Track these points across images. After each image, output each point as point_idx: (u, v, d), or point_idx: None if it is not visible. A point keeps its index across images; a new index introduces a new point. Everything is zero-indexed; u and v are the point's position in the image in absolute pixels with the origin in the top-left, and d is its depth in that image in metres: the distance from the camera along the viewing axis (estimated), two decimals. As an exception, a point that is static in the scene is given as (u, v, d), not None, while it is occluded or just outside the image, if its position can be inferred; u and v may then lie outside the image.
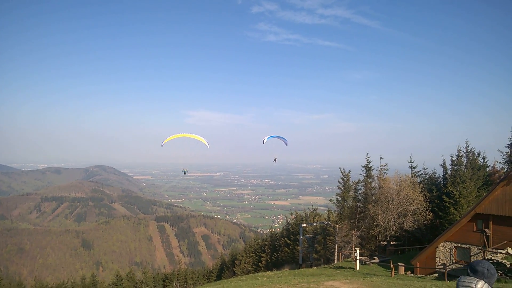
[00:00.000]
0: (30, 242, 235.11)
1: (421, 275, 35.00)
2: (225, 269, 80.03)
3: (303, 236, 55.62)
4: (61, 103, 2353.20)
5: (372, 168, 52.14)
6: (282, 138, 44.77)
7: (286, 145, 45.10)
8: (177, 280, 68.50)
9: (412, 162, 53.86)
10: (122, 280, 64.56)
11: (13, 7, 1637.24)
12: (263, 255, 71.07)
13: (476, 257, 32.40)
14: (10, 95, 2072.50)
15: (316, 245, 57.46)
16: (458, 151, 48.93)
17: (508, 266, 29.33)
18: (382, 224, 45.10)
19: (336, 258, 48.35)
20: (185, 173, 40.56)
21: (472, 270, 5.11)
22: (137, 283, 65.48)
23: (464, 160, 49.06)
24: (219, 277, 76.48)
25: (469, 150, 50.04)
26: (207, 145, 38.05)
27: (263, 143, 42.90)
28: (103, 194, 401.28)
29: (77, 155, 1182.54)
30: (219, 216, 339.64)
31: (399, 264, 36.40)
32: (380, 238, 48.28)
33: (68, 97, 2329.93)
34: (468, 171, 47.55)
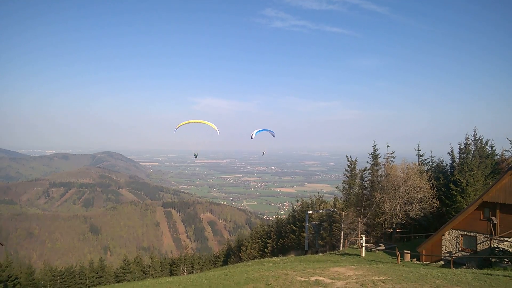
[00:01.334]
0: (39, 227, 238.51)
1: (427, 262, 35.10)
2: (231, 255, 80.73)
3: (309, 223, 55.84)
4: (68, 90, 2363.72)
5: (379, 156, 51.94)
6: (270, 130, 45.16)
7: (274, 136, 45.54)
8: (184, 265, 69.23)
9: (420, 150, 53.61)
10: (129, 264, 65.35)
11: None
12: (269, 241, 71.56)
13: (483, 245, 32.41)
14: (17, 81, 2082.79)
15: (322, 232, 57.74)
16: (466, 139, 48.54)
17: (515, 254, 29.31)
18: (388, 211, 45.10)
19: (342, 244, 48.56)
20: (195, 157, 41.19)
21: None
22: (144, 267, 66.28)
23: (472, 148, 48.69)
24: (225, 263, 77.23)
25: (477, 138, 49.61)
26: (217, 131, 38.43)
27: (252, 138, 43.10)
28: (111, 180, 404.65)
29: (84, 141, 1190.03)
30: (225, 203, 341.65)
31: (405, 251, 36.50)
32: (386, 226, 48.34)
33: (75, 84, 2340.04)
34: (476, 159, 47.26)
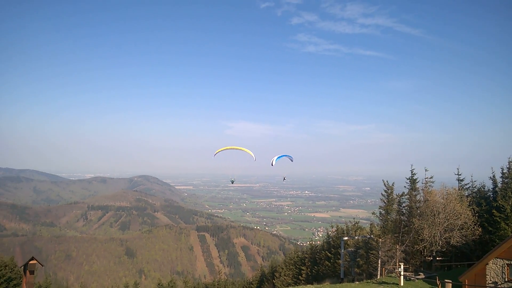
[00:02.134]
0: (77, 249, 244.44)
1: (470, 293, 33.40)
2: (265, 281, 79.65)
3: (344, 249, 54.57)
4: (107, 114, 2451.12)
5: (417, 181, 50.52)
6: (288, 156, 45.61)
7: (292, 161, 45.76)
8: (217, 290, 68.91)
9: (460, 175, 51.81)
10: (163, 288, 65.67)
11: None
12: (303, 268, 70.24)
13: (531, 276, 30.58)
14: (59, 107, 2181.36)
15: (358, 259, 56.19)
16: (509, 163, 46.59)
17: None
18: (428, 238, 43.54)
19: (379, 273, 47.04)
20: (232, 182, 41.97)
21: None
22: (178, 292, 66.40)
23: (515, 172, 46.66)
24: (258, 289, 76.23)
25: (521, 162, 47.49)
26: (254, 157, 39.01)
27: (272, 165, 43.22)
28: (146, 203, 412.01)
29: (122, 165, 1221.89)
30: (258, 227, 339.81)
31: (446, 280, 34.89)
32: (425, 253, 46.57)
33: (112, 108, 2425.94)
34: (521, 184, 45.21)
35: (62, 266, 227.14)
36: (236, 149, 39.32)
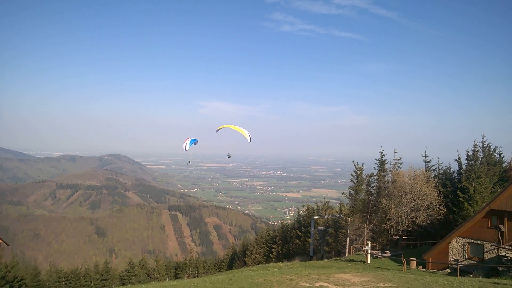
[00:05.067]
0: (45, 228, 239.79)
1: (433, 270, 34.80)
2: (236, 259, 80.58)
3: (314, 228, 55.62)
4: (75, 91, 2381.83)
5: (386, 162, 51.71)
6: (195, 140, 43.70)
7: (196, 144, 43.77)
8: (189, 268, 69.28)
9: (427, 157, 53.27)
10: (135, 267, 65.48)
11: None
12: (274, 246, 71.32)
13: (490, 253, 32.06)
14: (24, 82, 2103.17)
15: (327, 237, 57.47)
16: (474, 146, 48.18)
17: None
18: (395, 218, 44.85)
19: (347, 251, 48.30)
20: (229, 157, 42.04)
21: None
22: (149, 270, 66.37)
23: (480, 155, 48.30)
24: (230, 267, 77.07)
25: (485, 145, 49.09)
26: (249, 139, 39.04)
27: (185, 149, 41.53)
28: (117, 182, 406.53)
29: (91, 143, 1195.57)
30: (231, 207, 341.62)
31: (411, 258, 36.22)
32: (392, 232, 48.04)
33: (81, 85, 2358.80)
34: (484, 166, 46.89)
35: (30, 245, 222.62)
36: (234, 128, 39.47)
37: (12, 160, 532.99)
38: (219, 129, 40.34)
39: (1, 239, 12.61)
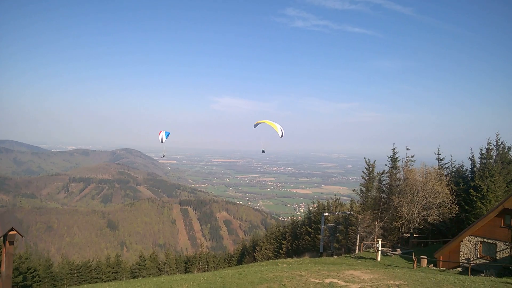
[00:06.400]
0: (58, 221, 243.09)
1: (444, 268, 34.51)
2: (246, 254, 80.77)
3: (324, 225, 55.49)
4: (90, 87, 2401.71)
5: (398, 159, 51.32)
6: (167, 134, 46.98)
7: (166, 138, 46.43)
8: (199, 263, 69.62)
9: (440, 154, 52.74)
10: (145, 261, 66.02)
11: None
12: (284, 242, 71.35)
13: (502, 253, 31.69)
14: (40, 78, 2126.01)
15: (337, 234, 57.30)
16: (488, 144, 47.56)
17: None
18: (406, 216, 44.54)
19: (357, 248, 48.13)
20: (263, 152, 43.79)
21: None
22: (159, 264, 66.87)
23: (493, 153, 47.64)
24: (239, 262, 77.32)
25: (499, 143, 48.34)
26: (280, 134, 39.77)
27: (162, 141, 45.80)
28: (129, 176, 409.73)
29: (104, 138, 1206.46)
30: (241, 202, 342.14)
31: (422, 256, 35.97)
32: (403, 230, 47.74)
33: (97, 81, 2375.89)
34: (498, 165, 46.26)
35: (43, 237, 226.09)
36: (269, 123, 40.75)
37: (26, 154, 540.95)
38: (257, 124, 41.14)
39: (16, 231, 12.84)
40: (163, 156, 48.72)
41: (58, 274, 57.89)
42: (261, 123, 40.93)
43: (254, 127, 42.20)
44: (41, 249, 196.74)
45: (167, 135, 45.32)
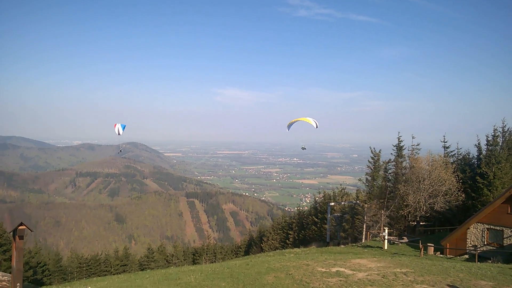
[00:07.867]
0: (66, 216, 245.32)
1: (451, 256, 34.55)
2: (253, 245, 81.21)
3: (331, 215, 55.63)
4: (93, 82, 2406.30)
5: (403, 148, 51.10)
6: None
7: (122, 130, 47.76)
8: (206, 254, 70.16)
9: (446, 142, 52.50)
10: (153, 253, 66.66)
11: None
12: (290, 232, 71.65)
13: (509, 239, 31.65)
14: (46, 74, 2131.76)
15: (344, 224, 57.45)
16: (494, 130, 47.21)
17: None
18: (412, 204, 44.49)
19: (364, 237, 48.25)
20: (303, 149, 45.00)
21: None
22: (167, 256, 67.48)
23: (500, 140, 47.31)
24: (247, 253, 77.79)
25: (505, 130, 47.92)
26: (315, 125, 40.25)
27: (119, 134, 46.56)
28: (135, 170, 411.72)
29: (110, 132, 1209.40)
30: (247, 194, 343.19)
31: (429, 244, 36.00)
32: (409, 218, 47.73)
33: (100, 75, 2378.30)
34: (504, 151, 45.99)
35: (52, 232, 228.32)
36: (302, 120, 41.72)
37: (32, 149, 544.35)
38: (291, 124, 41.93)
39: (26, 226, 13.04)
40: (120, 151, 50.60)
41: (67, 268, 58.62)
42: (294, 122, 40.98)
43: (288, 130, 42.57)
44: (50, 243, 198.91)
45: (123, 127, 46.39)
